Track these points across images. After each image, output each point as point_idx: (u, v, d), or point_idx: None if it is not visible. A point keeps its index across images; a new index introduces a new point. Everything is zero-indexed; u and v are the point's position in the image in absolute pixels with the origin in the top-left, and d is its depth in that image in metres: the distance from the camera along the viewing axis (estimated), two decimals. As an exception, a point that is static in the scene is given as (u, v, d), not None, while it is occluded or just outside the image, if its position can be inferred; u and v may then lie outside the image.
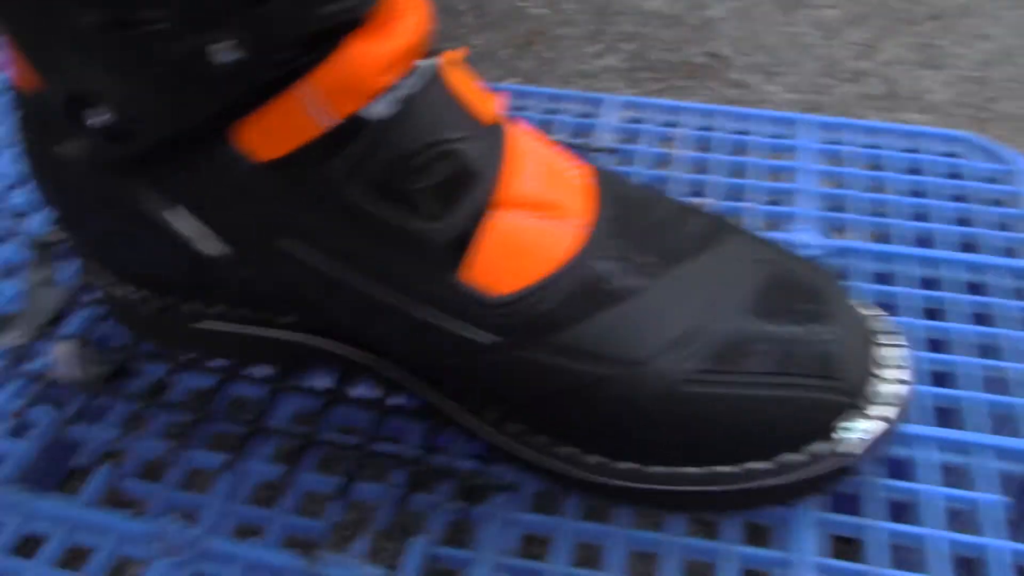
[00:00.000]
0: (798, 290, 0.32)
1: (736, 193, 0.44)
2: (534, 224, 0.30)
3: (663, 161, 0.46)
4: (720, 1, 1.27)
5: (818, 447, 0.31)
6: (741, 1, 1.27)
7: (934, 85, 1.11)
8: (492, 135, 0.30)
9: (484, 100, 0.30)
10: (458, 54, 0.30)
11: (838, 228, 0.43)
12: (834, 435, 0.31)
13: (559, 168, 0.32)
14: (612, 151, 0.46)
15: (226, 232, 0.30)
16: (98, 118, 0.27)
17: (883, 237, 0.42)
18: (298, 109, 0.27)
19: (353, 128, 0.27)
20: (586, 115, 0.50)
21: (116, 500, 0.38)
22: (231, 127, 0.27)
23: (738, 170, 0.45)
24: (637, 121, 0.49)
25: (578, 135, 0.49)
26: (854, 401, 0.30)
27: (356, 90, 0.27)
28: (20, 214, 0.46)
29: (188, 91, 0.26)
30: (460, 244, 0.29)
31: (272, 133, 0.27)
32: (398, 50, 0.27)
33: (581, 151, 0.46)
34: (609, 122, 0.49)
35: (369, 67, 0.27)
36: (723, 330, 0.30)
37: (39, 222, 0.45)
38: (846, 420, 0.30)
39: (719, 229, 0.33)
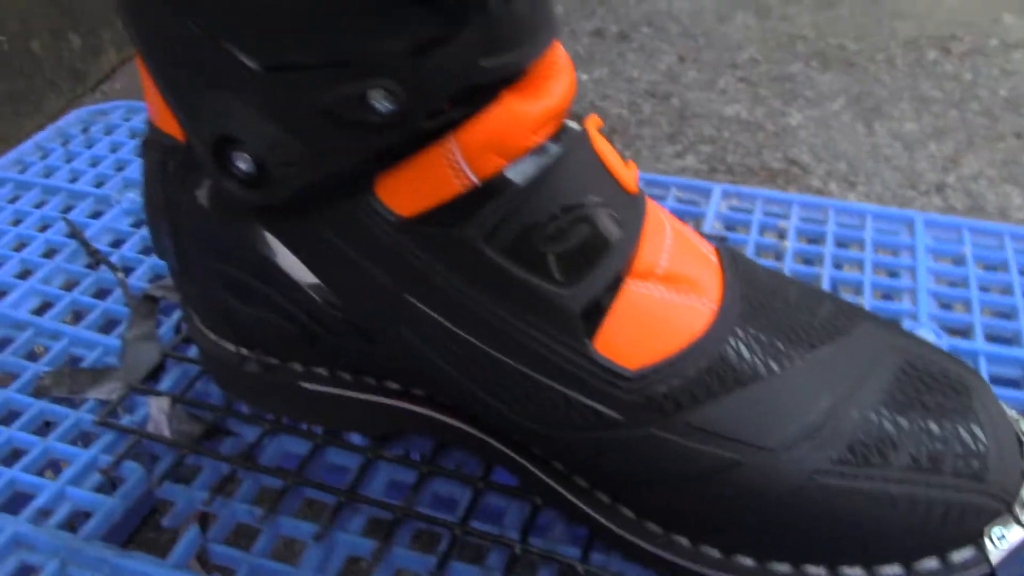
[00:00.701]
0: (936, 382, 0.30)
1: (848, 287, 0.43)
2: (668, 298, 0.29)
3: (772, 251, 0.45)
4: (799, 109, 1.28)
5: (963, 553, 0.28)
6: (819, 110, 1.28)
7: (1021, 201, 1.09)
8: (633, 204, 0.29)
9: (626, 169, 0.30)
10: (598, 120, 0.30)
11: (955, 328, 0.41)
12: (983, 540, 0.28)
13: (692, 244, 0.31)
14: (722, 239, 0.45)
15: (346, 285, 0.30)
16: (243, 163, 0.27)
17: (999, 339, 0.40)
18: (443, 164, 0.26)
19: (495, 187, 0.27)
20: (692, 202, 0.49)
21: (203, 563, 0.36)
22: (372, 179, 0.27)
23: (850, 265, 0.44)
24: (745, 211, 0.48)
25: (684, 221, 0.48)
26: (1009, 506, 0.28)
27: (504, 148, 0.26)
28: (126, 268, 0.46)
29: (338, 138, 0.26)
30: (593, 313, 0.28)
31: (413, 187, 0.27)
32: (549, 111, 0.27)
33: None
34: (715, 210, 0.48)
35: (519, 125, 0.26)
36: (861, 421, 0.29)
37: (143, 276, 0.45)
38: (999, 525, 0.28)
39: (851, 315, 0.32)
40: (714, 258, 0.32)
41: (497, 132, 0.26)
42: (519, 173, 0.27)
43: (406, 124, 0.25)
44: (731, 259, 0.32)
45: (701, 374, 0.28)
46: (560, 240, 0.27)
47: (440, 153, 0.26)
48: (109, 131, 0.57)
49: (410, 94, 0.24)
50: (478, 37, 0.24)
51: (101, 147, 0.55)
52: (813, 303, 0.32)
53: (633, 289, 0.28)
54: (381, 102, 0.25)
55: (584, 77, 1.38)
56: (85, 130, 0.57)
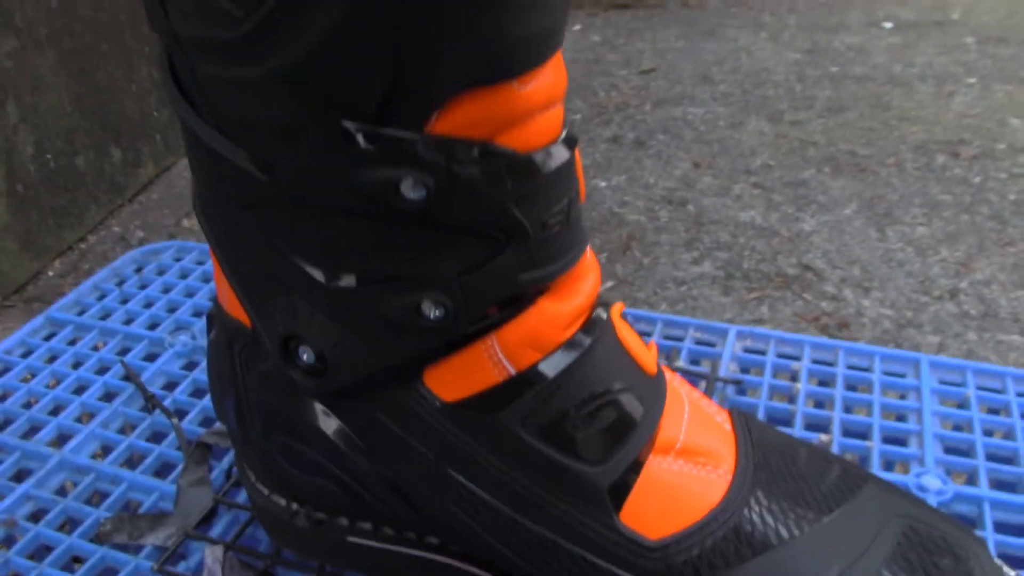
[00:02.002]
0: (936, 547, 0.33)
1: (857, 430, 0.45)
2: (687, 471, 0.32)
3: (784, 393, 0.48)
4: (812, 215, 1.32)
5: None
6: (832, 215, 1.32)
7: (1033, 307, 1.11)
8: (654, 385, 0.32)
9: (647, 352, 0.33)
10: (621, 306, 0.33)
11: (959, 472, 0.44)
12: None
13: (708, 415, 0.34)
14: (737, 383, 0.48)
15: (394, 459, 0.32)
16: (306, 356, 0.31)
17: (1004, 484, 0.43)
18: (484, 358, 0.29)
19: (531, 378, 0.30)
20: (708, 343, 0.52)
21: None
22: (421, 369, 0.30)
23: (859, 407, 0.47)
24: (759, 352, 0.51)
25: (699, 362, 0.51)
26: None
27: (539, 344, 0.30)
28: (179, 411, 0.49)
29: (393, 339, 0.29)
30: (619, 488, 0.31)
31: (458, 377, 0.30)
32: (578, 308, 0.30)
33: (707, 380, 0.48)
34: (731, 351, 0.51)
35: (553, 324, 0.30)
36: (870, 586, 0.31)
37: (195, 420, 0.48)
38: None
39: (858, 479, 0.34)
40: (728, 426, 0.35)
41: (533, 331, 0.29)
42: (552, 366, 0.30)
43: (453, 329, 0.28)
44: (743, 425, 0.35)
45: (718, 543, 0.31)
46: (589, 424, 0.30)
47: (482, 348, 0.29)
48: (161, 271, 0.61)
49: (458, 305, 0.28)
50: (518, 258, 0.28)
51: (154, 288, 0.59)
52: (822, 467, 0.35)
53: (655, 465, 0.31)
54: (432, 311, 0.28)
55: (602, 184, 1.43)
56: (139, 270, 0.61)
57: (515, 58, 0.24)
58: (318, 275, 0.29)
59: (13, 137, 1.15)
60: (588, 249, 0.32)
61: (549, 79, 0.26)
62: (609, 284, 1.18)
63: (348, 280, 0.29)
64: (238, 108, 0.26)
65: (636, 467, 0.31)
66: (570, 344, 0.30)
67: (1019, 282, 1.17)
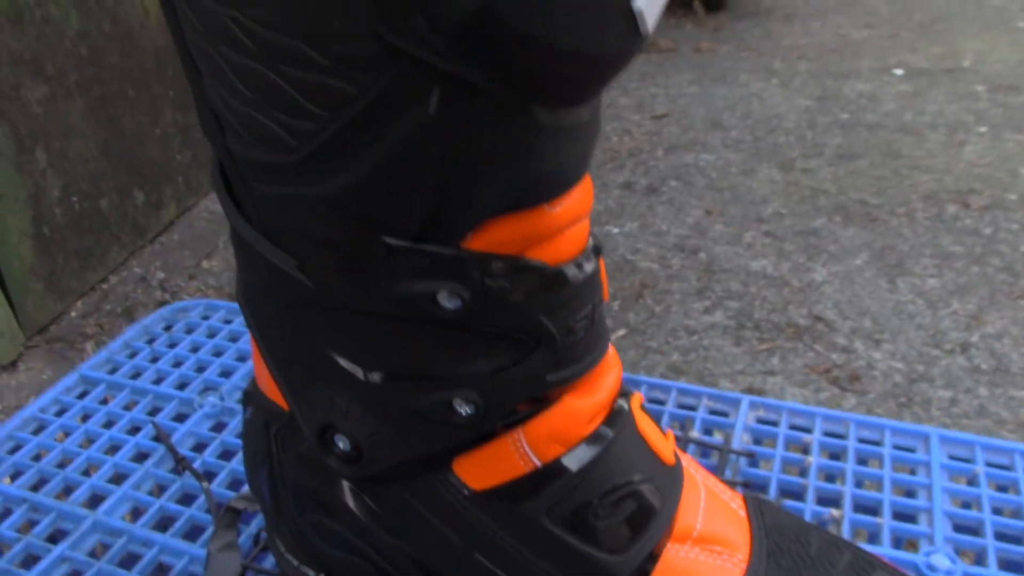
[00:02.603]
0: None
1: (868, 506, 0.47)
2: (704, 559, 0.33)
3: (796, 466, 0.49)
4: (823, 264, 1.33)
5: None
6: (843, 265, 1.33)
7: (1043, 363, 1.12)
8: (672, 475, 0.34)
9: (664, 441, 0.34)
10: (640, 397, 0.35)
11: (968, 551, 0.45)
12: None
13: (723, 501, 0.35)
14: (750, 455, 0.49)
15: (422, 542, 0.34)
16: (342, 444, 0.32)
17: (1012, 564, 0.44)
18: (511, 451, 0.31)
19: (555, 471, 0.31)
20: (721, 412, 0.53)
21: None
22: (451, 458, 0.32)
23: (870, 482, 0.48)
24: (771, 422, 0.52)
25: (712, 432, 0.52)
26: None
27: (563, 438, 0.31)
28: (208, 473, 0.51)
29: (425, 432, 0.31)
30: (639, 574, 0.32)
31: (486, 467, 0.31)
32: (600, 403, 0.32)
33: (721, 452, 0.50)
34: (743, 422, 0.52)
35: (576, 419, 0.31)
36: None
37: (224, 482, 0.50)
38: None
39: (867, 566, 0.36)
40: (742, 512, 0.36)
41: (558, 426, 0.31)
42: (576, 460, 0.31)
43: (483, 425, 0.30)
44: (757, 510, 0.36)
45: (735, 629, 0.32)
46: (611, 515, 0.32)
47: (510, 441, 0.31)
48: (190, 330, 0.63)
49: (488, 403, 0.29)
50: (546, 360, 0.29)
51: (183, 347, 0.61)
52: (833, 553, 0.36)
53: (673, 553, 0.33)
54: (463, 408, 0.30)
55: (615, 231, 1.45)
56: (168, 328, 0.63)
57: (546, 188, 0.26)
58: (356, 371, 0.31)
59: (41, 181, 1.18)
60: (610, 347, 0.34)
61: (577, 198, 0.28)
62: (621, 332, 1.19)
63: (384, 377, 0.30)
64: (287, 220, 0.28)
65: (654, 556, 0.33)
66: (593, 438, 0.32)
67: (1029, 336, 1.18)
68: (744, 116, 1.87)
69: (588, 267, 0.29)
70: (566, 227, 0.28)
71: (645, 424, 0.34)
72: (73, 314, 1.26)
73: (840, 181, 1.59)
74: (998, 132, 1.74)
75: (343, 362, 0.31)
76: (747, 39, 2.41)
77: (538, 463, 0.31)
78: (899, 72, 2.09)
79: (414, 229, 0.26)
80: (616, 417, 0.33)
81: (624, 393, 0.34)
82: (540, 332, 0.29)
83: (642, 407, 0.35)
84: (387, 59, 0.22)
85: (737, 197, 1.55)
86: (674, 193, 1.56)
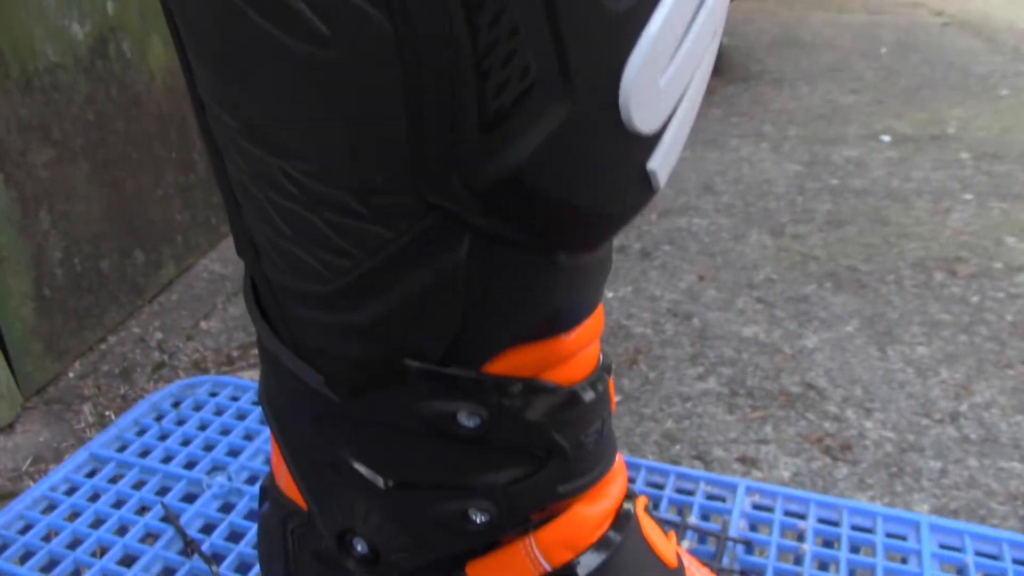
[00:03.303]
0: None
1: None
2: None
3: (791, 553, 0.51)
4: (814, 331, 1.35)
5: None
6: (834, 332, 1.35)
7: (1031, 434, 1.13)
8: (675, 578, 0.35)
9: (667, 544, 0.36)
10: (644, 500, 0.36)
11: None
12: None
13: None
14: (747, 543, 0.51)
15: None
16: (360, 547, 0.33)
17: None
18: (522, 555, 0.32)
19: (565, 575, 0.33)
20: (719, 497, 0.55)
21: None
22: (464, 562, 0.33)
23: (863, 571, 0.49)
24: (767, 508, 0.53)
25: (710, 518, 0.54)
26: None
27: (573, 544, 0.33)
28: (216, 555, 0.52)
29: (441, 538, 0.32)
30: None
31: (498, 571, 0.33)
32: (608, 510, 0.33)
33: (718, 539, 0.51)
34: (740, 508, 0.53)
35: (585, 526, 0.33)
36: None
37: (231, 565, 0.51)
38: None
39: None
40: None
41: (568, 533, 0.32)
42: (585, 565, 0.33)
43: (496, 533, 0.31)
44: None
45: None
46: (617, 620, 0.33)
47: (521, 547, 0.32)
48: (198, 407, 0.64)
49: (502, 512, 0.31)
50: (557, 472, 0.31)
51: (191, 425, 0.62)
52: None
53: (677, 655, 0.34)
54: (478, 516, 0.31)
55: (610, 295, 1.47)
56: (176, 405, 0.64)
57: (563, 321, 0.28)
58: (376, 480, 0.32)
59: (44, 243, 1.20)
60: (618, 455, 0.35)
61: (590, 326, 0.30)
62: (617, 399, 1.21)
63: (404, 486, 0.32)
64: (316, 340, 0.30)
65: (659, 657, 0.34)
66: (601, 543, 0.33)
67: (1019, 406, 1.20)
68: (735, 180, 1.91)
69: (599, 387, 0.31)
70: (579, 351, 0.30)
71: (649, 527, 0.35)
72: (71, 375, 1.27)
73: (830, 247, 1.62)
74: (983, 200, 1.78)
75: (363, 470, 0.32)
76: (737, 103, 2.47)
77: (548, 568, 0.33)
78: (886, 138, 2.14)
79: (438, 355, 0.28)
80: (623, 521, 0.34)
81: (630, 495, 0.36)
82: (552, 447, 0.30)
83: (646, 509, 0.36)
84: (423, 211, 0.24)
85: (729, 262, 1.57)
86: (667, 258, 1.59)
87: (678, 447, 1.11)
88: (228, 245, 1.67)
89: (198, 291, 1.49)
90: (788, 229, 1.68)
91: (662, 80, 0.22)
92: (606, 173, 0.23)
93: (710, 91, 2.58)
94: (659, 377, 1.26)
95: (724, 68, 2.78)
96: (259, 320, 0.32)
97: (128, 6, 1.35)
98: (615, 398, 1.20)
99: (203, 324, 1.41)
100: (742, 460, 1.08)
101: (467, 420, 0.29)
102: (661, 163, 0.24)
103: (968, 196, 1.80)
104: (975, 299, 1.44)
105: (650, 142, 0.23)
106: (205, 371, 1.29)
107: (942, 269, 1.54)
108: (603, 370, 0.32)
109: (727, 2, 0.25)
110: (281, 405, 0.34)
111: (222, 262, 1.61)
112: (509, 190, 0.23)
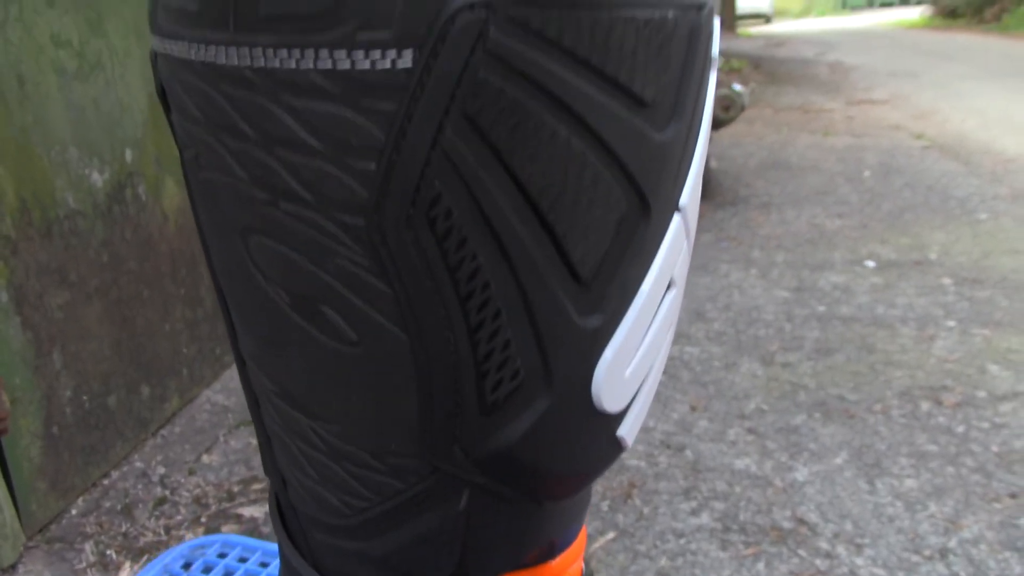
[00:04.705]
0: None
1: None
2: None
3: None
4: (804, 464, 1.38)
5: None
6: (824, 464, 1.38)
7: (1020, 569, 1.15)
8: None
9: None
10: None
11: None
12: None
13: None
14: None
15: None
16: None
17: None
18: None
19: None
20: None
21: None
22: None
23: None
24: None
25: None
26: None
27: None
28: None
29: None
30: None
31: None
32: None
33: None
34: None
35: None
36: None
37: None
38: None
39: None
40: None
41: None
42: None
43: None
44: None
45: None
46: None
47: None
48: (208, 568, 0.67)
49: None
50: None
51: (200, 586, 0.65)
52: None
53: None
54: None
55: (604, 426, 1.50)
56: (187, 566, 0.67)
57: (552, 551, 0.32)
58: None
59: (55, 383, 1.24)
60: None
61: (575, 548, 0.34)
62: (611, 535, 1.23)
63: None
64: (336, 561, 0.34)
65: None
66: None
67: (1006, 542, 1.22)
68: (726, 307, 1.97)
69: (584, 602, 0.35)
70: (564, 571, 0.34)
71: None
72: (74, 511, 1.29)
73: (819, 376, 1.66)
74: (966, 327, 1.83)
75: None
76: (726, 228, 2.55)
77: None
78: (870, 264, 2.20)
79: (441, 578, 0.32)
80: None
81: None
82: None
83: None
84: (430, 470, 0.28)
85: (720, 392, 1.61)
86: (660, 387, 1.63)
87: (672, 587, 1.13)
88: (231, 375, 1.71)
89: (200, 423, 1.52)
90: (778, 357, 1.73)
91: (627, 371, 0.27)
92: (582, 445, 0.28)
93: (700, 215, 2.67)
94: (653, 512, 1.28)
95: (713, 192, 2.88)
96: (285, 541, 0.36)
97: (146, 152, 1.43)
98: (610, 535, 1.22)
99: (205, 458, 1.43)
100: (735, 600, 1.10)
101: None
102: (629, 429, 0.28)
103: (951, 323, 1.85)
104: (961, 429, 1.48)
105: (619, 416, 0.28)
106: (206, 507, 1.31)
107: (928, 398, 1.57)
108: (587, 578, 0.35)
109: (680, 301, 0.30)
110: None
111: (225, 392, 1.64)
112: (502, 461, 0.27)
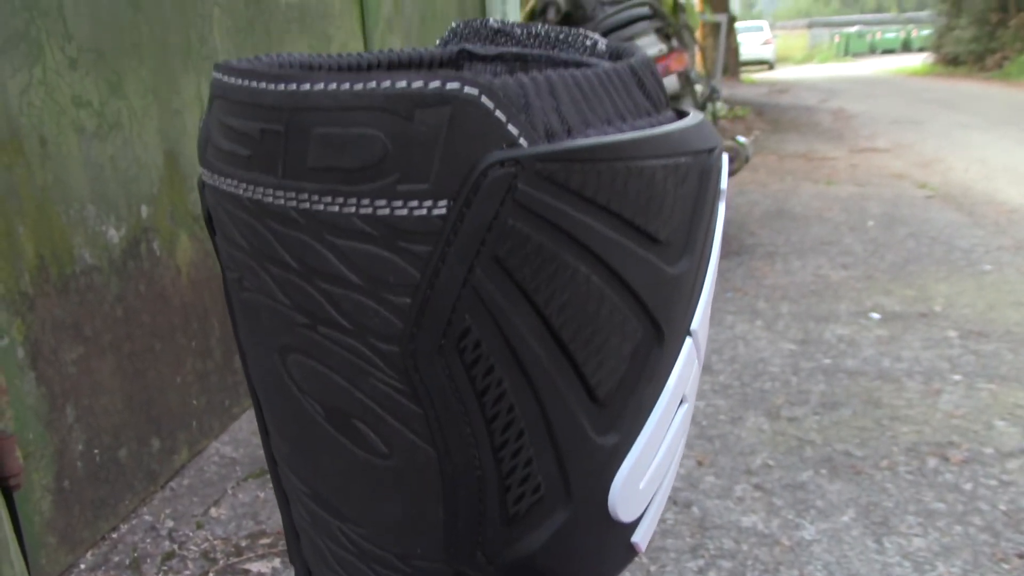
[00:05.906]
0: None
1: None
2: None
3: None
4: (811, 522, 1.38)
5: None
6: (831, 523, 1.38)
7: (1029, 635, 1.15)
8: None
9: None
10: None
11: None
12: None
13: None
14: None
15: None
16: None
17: None
18: None
19: None
20: None
21: None
22: None
23: None
24: None
25: None
26: None
27: None
28: None
29: None
30: None
31: None
32: None
33: None
34: None
35: None
36: None
37: None
38: None
39: None
40: None
41: None
42: None
43: None
44: None
45: None
46: None
47: None
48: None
49: None
50: None
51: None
52: None
53: None
54: None
55: (611, 481, 1.50)
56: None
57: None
58: None
59: (68, 437, 1.25)
60: None
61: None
62: (619, 594, 1.22)
63: None
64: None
65: None
66: None
67: (1014, 604, 1.21)
68: (731, 360, 1.98)
69: None
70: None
71: None
72: (83, 566, 1.29)
73: (825, 431, 1.66)
74: (972, 381, 1.84)
75: None
76: (732, 278, 2.57)
77: None
78: (876, 316, 2.22)
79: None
80: None
81: None
82: None
83: None
84: (454, 574, 0.30)
85: (727, 447, 1.62)
86: (666, 442, 1.63)
87: (680, 649, 1.13)
88: (239, 427, 1.72)
89: (209, 475, 1.53)
90: (784, 412, 1.73)
91: (642, 483, 0.28)
92: (599, 552, 0.29)
93: (705, 265, 2.69)
94: (660, 571, 1.28)
95: (718, 242, 2.90)
96: None
97: (160, 208, 1.46)
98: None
99: (213, 511, 1.44)
100: (744, 663, 1.10)
101: None
102: (643, 535, 0.29)
103: (957, 377, 1.85)
104: (968, 486, 1.48)
105: (634, 524, 0.29)
106: (214, 561, 1.31)
107: (935, 454, 1.58)
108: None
109: (691, 412, 0.31)
110: None
111: (233, 444, 1.65)
112: (523, 567, 0.28)
